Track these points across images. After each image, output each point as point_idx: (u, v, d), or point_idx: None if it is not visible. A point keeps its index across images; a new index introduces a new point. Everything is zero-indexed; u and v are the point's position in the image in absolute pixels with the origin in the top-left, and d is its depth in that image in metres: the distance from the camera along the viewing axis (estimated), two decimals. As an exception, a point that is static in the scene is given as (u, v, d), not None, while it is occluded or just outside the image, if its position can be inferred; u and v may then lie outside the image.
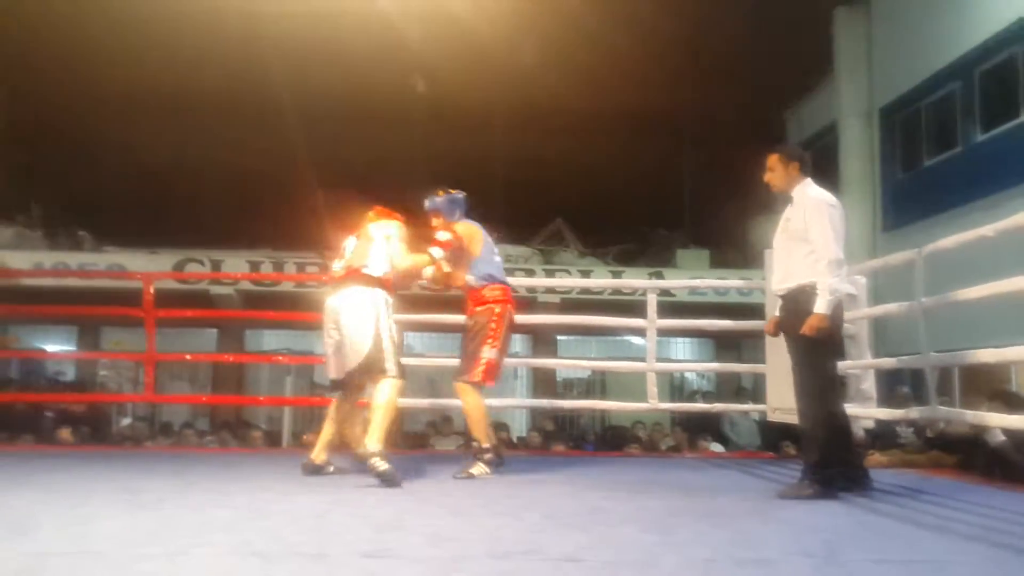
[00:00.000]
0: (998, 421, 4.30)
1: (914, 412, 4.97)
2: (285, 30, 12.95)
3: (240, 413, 10.73)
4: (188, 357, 7.48)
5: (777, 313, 4.16)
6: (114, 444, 8.60)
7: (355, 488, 4.02)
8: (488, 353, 4.76)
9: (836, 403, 3.97)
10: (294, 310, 7.83)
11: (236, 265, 11.56)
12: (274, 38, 13.18)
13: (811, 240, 3.87)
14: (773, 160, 4.18)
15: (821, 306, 3.75)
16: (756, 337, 7.53)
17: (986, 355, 4.14)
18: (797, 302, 3.89)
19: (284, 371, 11.16)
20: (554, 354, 13.49)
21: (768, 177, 4.18)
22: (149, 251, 12.18)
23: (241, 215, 13.18)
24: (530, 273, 12.86)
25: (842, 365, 6.25)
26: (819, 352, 3.85)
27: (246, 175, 14.61)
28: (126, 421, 10.98)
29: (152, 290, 6.15)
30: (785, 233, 4.07)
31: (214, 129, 14.18)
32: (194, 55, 13.62)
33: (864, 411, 5.95)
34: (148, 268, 10.48)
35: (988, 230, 4.12)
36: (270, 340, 13.96)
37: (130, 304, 6.40)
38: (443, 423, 9.95)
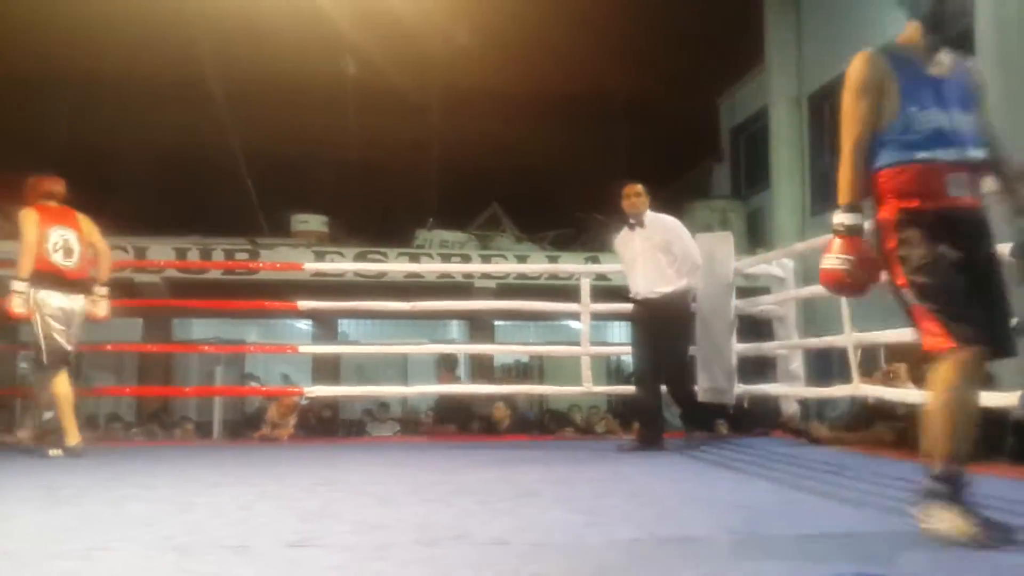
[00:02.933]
0: (914, 396, 4.44)
1: (837, 390, 5.10)
2: (212, 10, 12.61)
3: (168, 405, 10.45)
4: (110, 347, 7.22)
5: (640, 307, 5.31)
6: (35, 439, 8.30)
7: (283, 479, 3.95)
8: None
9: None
10: (223, 298, 7.65)
11: (162, 252, 11.24)
12: (201, 18, 12.83)
13: (674, 253, 5.15)
14: (640, 189, 5.30)
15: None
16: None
17: (906, 333, 4.25)
18: (671, 301, 5.15)
19: (214, 361, 10.93)
20: (491, 340, 13.48)
21: (636, 201, 5.27)
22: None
23: (167, 200, 12.83)
24: (466, 259, 12.81)
25: (770, 345, 6.42)
26: (686, 335, 5.34)
27: (172, 159, 14.23)
28: (48, 415, 10.59)
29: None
30: (646, 247, 5.21)
31: (138, 111, 13.76)
32: (118, 35, 13.16)
33: (791, 390, 6.10)
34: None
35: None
36: (199, 329, 13.65)
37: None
38: (379, 409, 9.88)
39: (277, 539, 2.49)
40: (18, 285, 5.01)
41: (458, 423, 8.09)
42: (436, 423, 8.32)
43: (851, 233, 2.41)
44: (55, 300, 5.08)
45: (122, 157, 14.44)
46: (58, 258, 5.11)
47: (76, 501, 3.31)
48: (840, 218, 2.43)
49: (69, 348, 5.17)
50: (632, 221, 5.35)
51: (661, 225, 5.27)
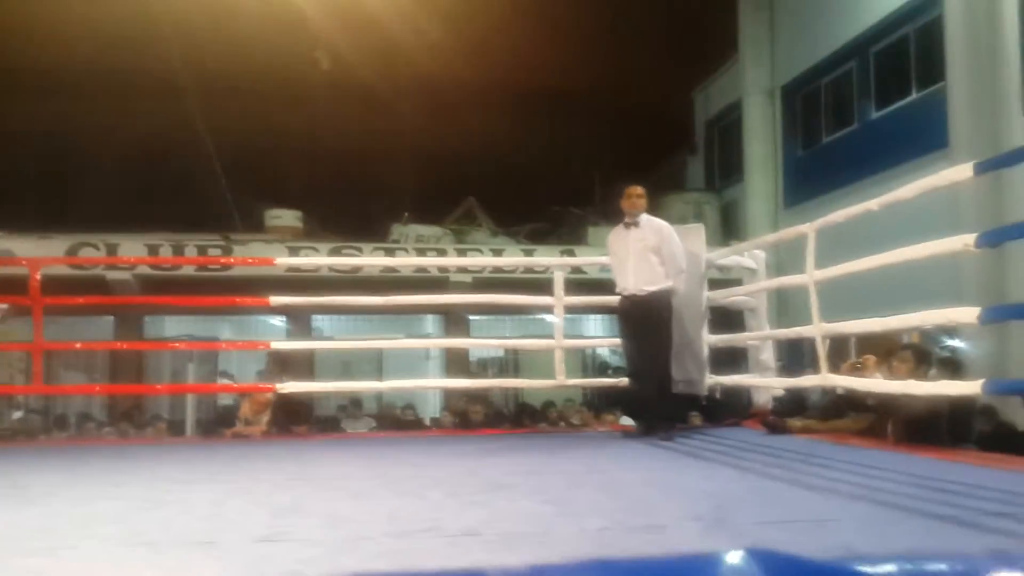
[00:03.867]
0: (881, 386, 4.50)
1: (806, 380, 5.16)
2: (183, 4, 12.48)
3: (141, 403, 10.36)
4: (78, 346, 7.13)
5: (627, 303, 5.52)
6: (4, 439, 8.22)
7: (255, 475, 3.94)
8: None
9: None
10: (195, 295, 7.59)
11: (133, 249, 11.12)
12: (173, 12, 12.69)
13: (662, 255, 5.40)
14: (641, 191, 5.56)
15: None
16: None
17: (872, 323, 4.31)
18: (657, 299, 5.39)
19: (186, 358, 10.86)
20: (467, 334, 13.49)
21: (637, 202, 5.51)
22: (40, 235, 11.61)
23: (139, 196, 12.70)
24: (442, 253, 12.79)
25: (742, 336, 6.47)
26: (668, 332, 5.49)
27: (144, 155, 14.08)
28: (18, 414, 10.49)
29: (39, 276, 5.87)
30: (639, 247, 5.44)
31: (109, 108, 13.60)
32: (89, 29, 13.01)
33: (763, 380, 6.15)
34: (39, 253, 9.99)
35: (873, 204, 4.29)
36: (172, 326, 13.53)
37: (21, 292, 6.08)
38: (353, 406, 9.85)
39: (247, 534, 2.48)
40: None
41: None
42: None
43: None
44: None
45: (93, 153, 14.29)
46: None
47: (44, 500, 3.27)
48: None
49: None
50: (628, 220, 5.55)
51: (654, 227, 5.52)
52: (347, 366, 13.04)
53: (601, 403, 9.94)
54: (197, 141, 13.26)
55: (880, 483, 3.25)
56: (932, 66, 10.59)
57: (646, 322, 5.44)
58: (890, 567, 1.96)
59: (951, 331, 8.87)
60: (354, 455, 5.03)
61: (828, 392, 5.95)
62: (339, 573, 1.99)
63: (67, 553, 2.30)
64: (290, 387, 6.34)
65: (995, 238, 3.82)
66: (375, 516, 2.74)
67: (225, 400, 11.18)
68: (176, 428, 9.13)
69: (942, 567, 2.02)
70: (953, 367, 5.85)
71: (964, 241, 3.57)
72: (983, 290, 8.27)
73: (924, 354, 5.38)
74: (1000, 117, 8.94)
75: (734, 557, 1.94)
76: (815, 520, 2.57)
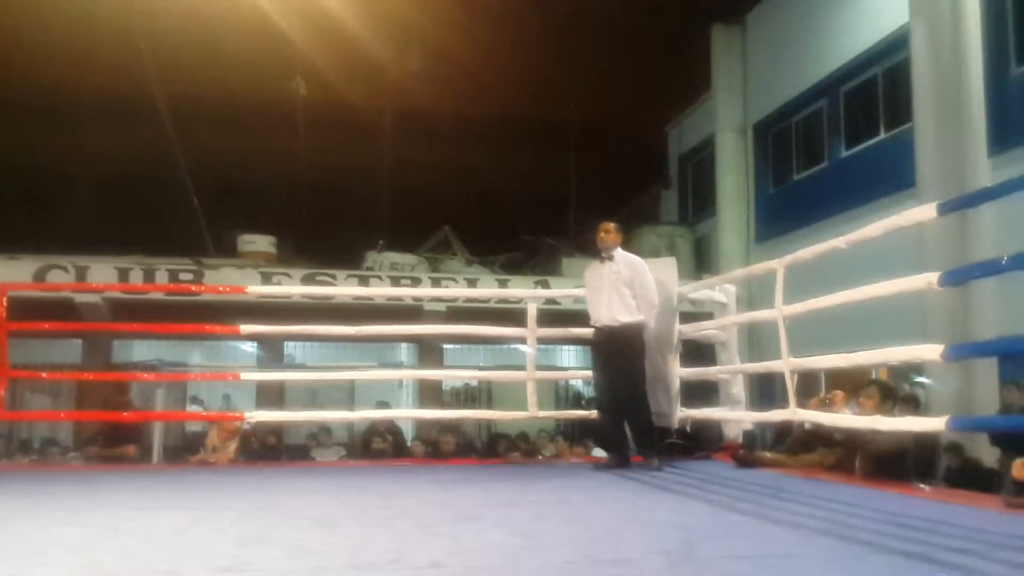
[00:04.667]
0: (849, 422, 4.54)
1: (775, 415, 5.19)
2: (159, 27, 12.48)
3: (106, 428, 10.18)
4: (44, 375, 6.97)
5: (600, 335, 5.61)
6: (-35, 463, 8.04)
7: (220, 504, 3.88)
8: None
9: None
10: (166, 320, 7.51)
11: (103, 271, 11.00)
12: (148, 35, 12.68)
13: (634, 288, 5.50)
14: (612, 227, 5.66)
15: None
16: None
17: (838, 359, 4.36)
18: (630, 331, 5.48)
19: (155, 383, 10.69)
20: (440, 363, 13.44)
21: (606, 237, 5.62)
22: (7, 257, 11.46)
23: (110, 219, 12.59)
24: (416, 281, 12.78)
25: (712, 370, 6.51)
26: (641, 364, 5.56)
27: (117, 177, 13.98)
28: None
29: (5, 301, 5.77)
30: (613, 280, 5.53)
31: (81, 128, 13.52)
32: (62, 50, 12.96)
33: (732, 414, 6.18)
34: (5, 275, 9.86)
35: (840, 242, 4.35)
36: (140, 350, 13.36)
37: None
38: (323, 434, 9.76)
39: (208, 564, 2.44)
40: None
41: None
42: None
43: None
44: None
45: (65, 174, 14.17)
46: None
47: (1, 526, 3.21)
48: None
49: None
50: (604, 255, 5.66)
51: (628, 262, 5.64)
52: (316, 394, 12.93)
53: (575, 434, 9.92)
54: (171, 165, 13.19)
55: (846, 518, 3.27)
56: (900, 107, 10.81)
57: (619, 354, 5.52)
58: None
59: (918, 368, 8.97)
60: (322, 484, 4.97)
61: (796, 427, 6.00)
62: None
63: (22, 582, 2.25)
64: (259, 416, 6.27)
65: (957, 277, 3.89)
66: (340, 547, 2.72)
67: (193, 427, 11.03)
68: (144, 454, 8.97)
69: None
70: (914, 404, 5.92)
71: (927, 280, 3.63)
72: (949, 327, 8.39)
73: (889, 390, 5.45)
74: (966, 158, 9.12)
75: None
76: (781, 555, 2.58)
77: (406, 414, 10.80)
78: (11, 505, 3.82)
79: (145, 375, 10.67)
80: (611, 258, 5.63)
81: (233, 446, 6.83)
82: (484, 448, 9.26)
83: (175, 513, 3.58)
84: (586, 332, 7.29)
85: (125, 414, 7.08)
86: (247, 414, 6.20)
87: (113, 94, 13.51)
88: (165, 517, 3.46)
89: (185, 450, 8.86)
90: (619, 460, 5.49)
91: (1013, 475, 3.92)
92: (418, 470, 6.14)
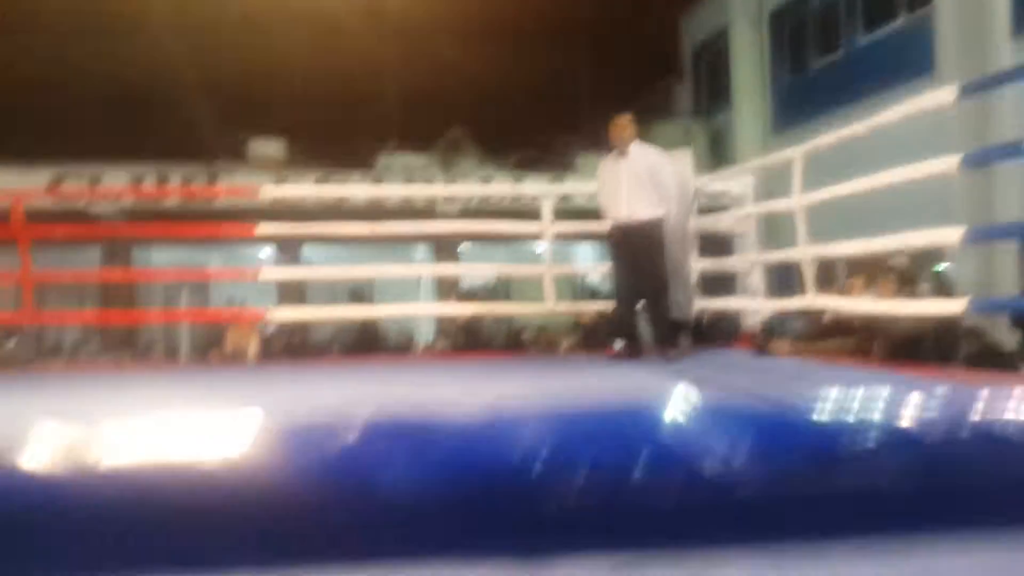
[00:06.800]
0: (868, 308, 4.59)
1: (793, 302, 5.25)
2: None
3: (134, 331, 10.42)
4: (69, 275, 7.10)
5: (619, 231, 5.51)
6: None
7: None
8: None
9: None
10: (181, 225, 7.57)
11: (117, 179, 11.01)
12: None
13: (653, 181, 5.37)
14: (627, 120, 5.47)
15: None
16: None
17: (854, 247, 4.37)
18: (651, 226, 5.40)
19: (178, 286, 10.85)
20: (456, 262, 13.54)
21: (621, 131, 5.43)
22: (22, 166, 11.48)
23: (122, 127, 12.52)
24: (429, 182, 12.75)
25: (730, 261, 6.54)
26: (662, 259, 5.52)
27: (127, 85, 13.83)
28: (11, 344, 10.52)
29: (23, 208, 5.83)
30: (630, 175, 5.40)
31: (91, 36, 13.29)
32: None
33: (752, 304, 6.25)
34: (21, 184, 9.90)
35: (860, 127, 4.30)
36: (159, 257, 13.50)
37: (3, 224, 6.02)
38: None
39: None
40: None
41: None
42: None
43: None
44: None
45: (75, 84, 14.01)
46: None
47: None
48: None
49: None
50: (618, 150, 5.51)
51: (645, 156, 5.50)
52: (336, 298, 13.09)
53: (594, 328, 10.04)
54: (180, 71, 13.03)
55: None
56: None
57: (642, 249, 5.46)
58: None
59: (939, 257, 8.97)
60: (343, 379, 5.08)
61: (814, 315, 6.07)
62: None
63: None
64: (281, 314, 6.39)
65: (978, 160, 3.86)
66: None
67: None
68: (171, 355, 9.22)
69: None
70: (940, 289, 5.94)
71: (948, 163, 3.60)
72: (972, 213, 8.32)
73: (908, 276, 5.47)
74: (987, 40, 8.87)
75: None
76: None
77: (427, 309, 10.93)
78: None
79: (166, 272, 10.77)
80: (626, 153, 5.49)
81: (254, 341, 6.96)
82: (505, 343, 9.40)
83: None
84: (602, 228, 7.33)
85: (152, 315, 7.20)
86: (268, 312, 6.30)
87: (123, 4, 13.23)
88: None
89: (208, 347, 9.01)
90: (634, 349, 5.54)
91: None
92: (440, 364, 6.26)
